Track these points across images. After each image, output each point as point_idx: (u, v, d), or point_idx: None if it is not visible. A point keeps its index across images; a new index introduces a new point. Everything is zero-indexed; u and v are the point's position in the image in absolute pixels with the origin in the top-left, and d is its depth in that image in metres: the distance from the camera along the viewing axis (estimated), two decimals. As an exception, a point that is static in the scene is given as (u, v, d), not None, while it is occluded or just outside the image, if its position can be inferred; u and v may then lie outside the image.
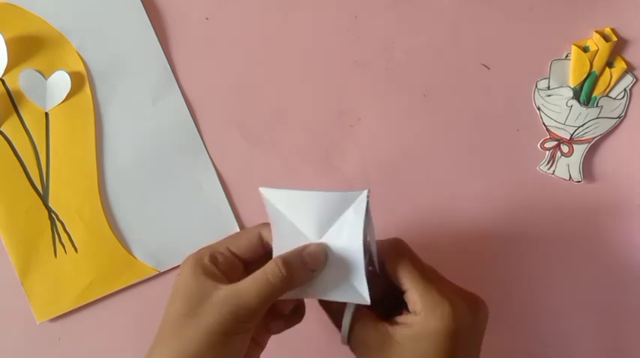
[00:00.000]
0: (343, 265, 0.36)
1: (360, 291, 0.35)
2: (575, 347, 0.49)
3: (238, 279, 0.35)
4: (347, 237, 0.35)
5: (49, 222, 0.47)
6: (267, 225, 0.37)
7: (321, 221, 0.36)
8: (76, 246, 0.47)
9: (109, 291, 0.47)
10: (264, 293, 0.34)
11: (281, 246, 0.36)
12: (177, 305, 0.35)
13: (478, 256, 0.49)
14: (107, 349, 0.48)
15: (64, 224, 0.47)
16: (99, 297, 0.47)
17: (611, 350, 0.49)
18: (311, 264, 0.35)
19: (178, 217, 0.48)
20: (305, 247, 0.36)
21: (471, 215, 0.49)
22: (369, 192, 0.35)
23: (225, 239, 0.38)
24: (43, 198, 0.47)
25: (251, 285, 0.34)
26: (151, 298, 0.48)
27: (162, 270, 0.48)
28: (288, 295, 0.35)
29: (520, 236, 0.49)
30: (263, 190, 0.36)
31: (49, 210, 0.47)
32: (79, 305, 0.47)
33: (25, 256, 0.47)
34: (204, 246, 0.38)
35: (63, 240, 0.47)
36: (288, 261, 0.35)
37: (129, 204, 0.48)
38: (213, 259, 0.36)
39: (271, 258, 0.36)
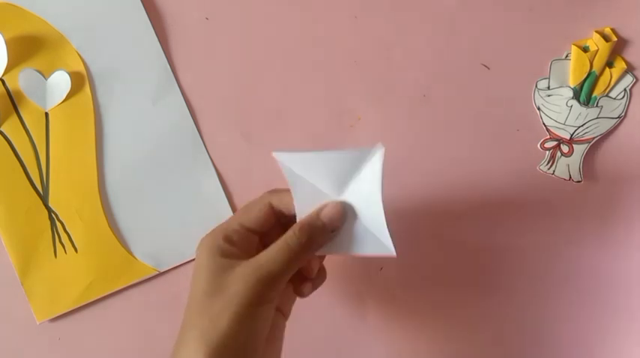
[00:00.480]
0: (365, 220, 0.36)
1: (384, 243, 0.36)
2: (574, 346, 0.49)
3: (256, 253, 0.35)
4: (367, 193, 0.36)
5: (49, 222, 0.47)
6: (274, 192, 0.38)
7: (339, 179, 0.36)
8: (76, 246, 0.47)
9: (109, 291, 0.47)
10: (287, 261, 0.34)
11: (303, 207, 0.37)
12: (199, 286, 0.35)
13: (478, 256, 0.49)
14: (107, 349, 0.48)
15: (64, 224, 0.47)
16: (99, 297, 0.47)
17: (610, 351, 0.49)
18: (329, 225, 0.36)
19: (178, 217, 0.48)
20: (321, 209, 0.36)
21: (471, 215, 0.49)
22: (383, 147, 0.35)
23: (235, 214, 0.38)
24: (43, 198, 0.47)
25: (273, 255, 0.35)
26: (151, 298, 0.48)
27: (162, 270, 0.48)
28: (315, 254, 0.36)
29: (520, 236, 0.49)
30: (277, 154, 0.36)
31: (49, 210, 0.47)
32: (79, 305, 0.47)
33: (25, 256, 0.47)
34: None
35: (63, 240, 0.47)
36: (306, 226, 0.35)
37: (129, 204, 0.48)
38: (228, 239, 0.36)
39: (284, 225, 0.36)
